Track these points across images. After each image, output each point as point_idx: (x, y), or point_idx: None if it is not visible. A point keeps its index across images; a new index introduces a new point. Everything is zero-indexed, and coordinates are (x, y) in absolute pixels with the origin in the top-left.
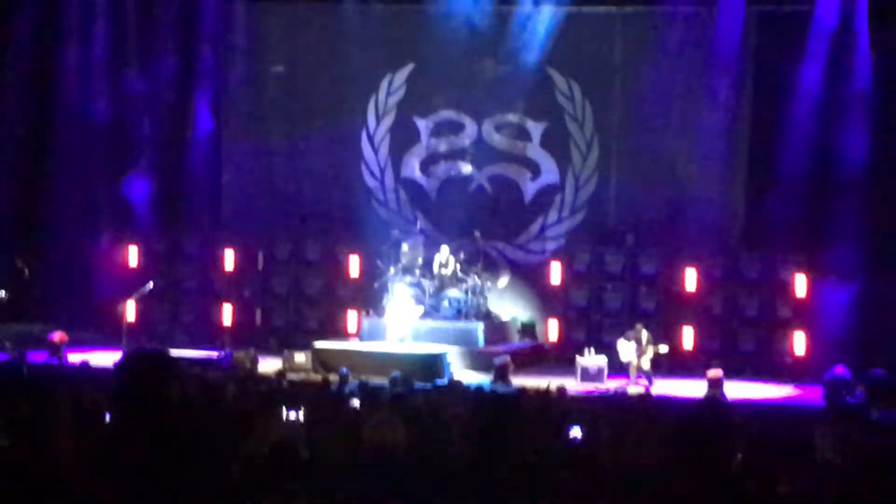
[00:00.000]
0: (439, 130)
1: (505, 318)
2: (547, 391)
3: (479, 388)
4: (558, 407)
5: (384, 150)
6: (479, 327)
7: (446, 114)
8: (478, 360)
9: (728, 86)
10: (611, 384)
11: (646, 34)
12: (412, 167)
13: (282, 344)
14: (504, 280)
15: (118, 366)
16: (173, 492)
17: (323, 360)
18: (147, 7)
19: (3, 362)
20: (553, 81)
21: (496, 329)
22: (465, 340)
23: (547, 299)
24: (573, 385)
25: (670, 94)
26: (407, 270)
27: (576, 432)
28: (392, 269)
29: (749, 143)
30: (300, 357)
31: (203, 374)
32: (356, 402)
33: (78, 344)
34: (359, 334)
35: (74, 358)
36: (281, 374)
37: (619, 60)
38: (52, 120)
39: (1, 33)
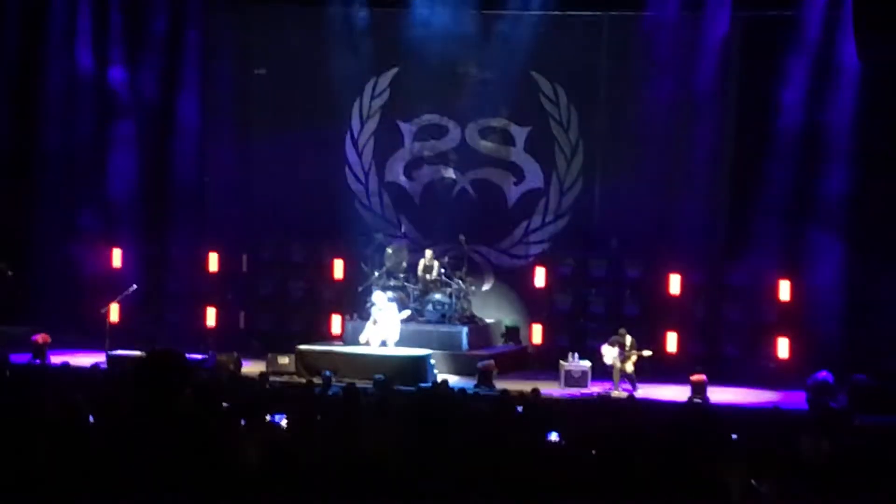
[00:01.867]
0: (423, 134)
1: (489, 321)
2: (528, 394)
3: (456, 390)
4: (537, 410)
5: (368, 153)
6: (464, 331)
7: (430, 118)
8: (462, 364)
9: (713, 92)
10: (595, 388)
11: (632, 39)
12: (396, 171)
13: (266, 347)
14: (488, 284)
15: (141, 362)
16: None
17: (307, 363)
18: (131, 10)
19: None
20: (538, 86)
21: (480, 333)
22: (449, 344)
23: (531, 303)
24: (557, 389)
25: (656, 100)
26: (391, 274)
27: (554, 437)
28: (376, 273)
29: (734, 149)
30: (284, 360)
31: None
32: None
33: (61, 346)
34: (343, 337)
35: (57, 359)
36: (264, 375)
37: (604, 65)
38: (36, 124)
39: None
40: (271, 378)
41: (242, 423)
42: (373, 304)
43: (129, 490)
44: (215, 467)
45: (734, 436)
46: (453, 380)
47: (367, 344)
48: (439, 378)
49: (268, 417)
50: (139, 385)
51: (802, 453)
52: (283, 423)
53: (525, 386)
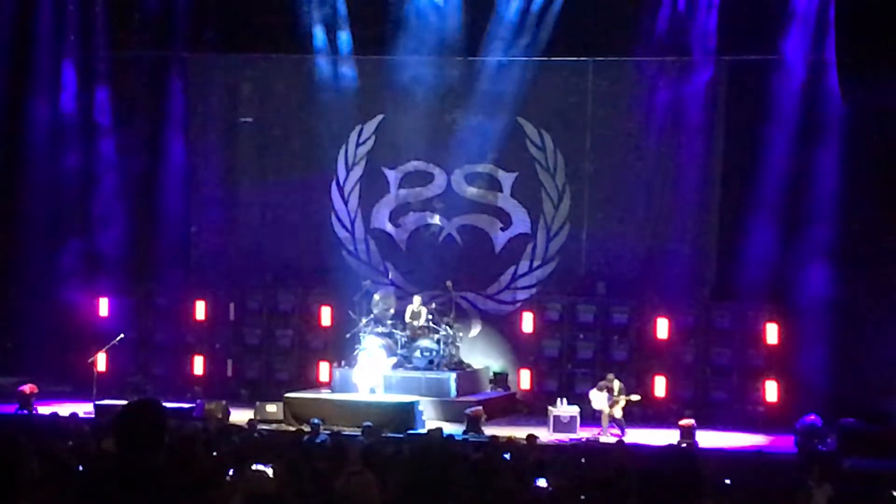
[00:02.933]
0: (408, 181)
1: (477, 367)
2: (516, 440)
3: (450, 437)
4: (529, 456)
5: (354, 200)
6: (452, 377)
7: (415, 164)
8: (450, 411)
9: (700, 136)
10: (583, 433)
11: (617, 84)
12: (382, 218)
13: (253, 395)
14: (475, 330)
15: (122, 412)
16: None
17: (295, 411)
18: (117, 59)
19: None
20: (524, 131)
21: (468, 379)
22: (437, 391)
23: (519, 349)
24: (545, 435)
25: (642, 145)
26: (378, 321)
27: (542, 483)
28: (364, 320)
29: (721, 193)
30: (272, 408)
31: (180, 424)
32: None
33: (48, 396)
34: (331, 385)
35: (45, 410)
36: (252, 423)
37: (590, 110)
38: (22, 172)
39: None
40: (259, 426)
41: (230, 472)
42: (362, 349)
43: None
44: None
45: (727, 481)
46: (442, 427)
47: (360, 381)
48: (432, 425)
49: (255, 466)
50: (117, 437)
51: (809, 498)
52: (270, 471)
53: (514, 432)
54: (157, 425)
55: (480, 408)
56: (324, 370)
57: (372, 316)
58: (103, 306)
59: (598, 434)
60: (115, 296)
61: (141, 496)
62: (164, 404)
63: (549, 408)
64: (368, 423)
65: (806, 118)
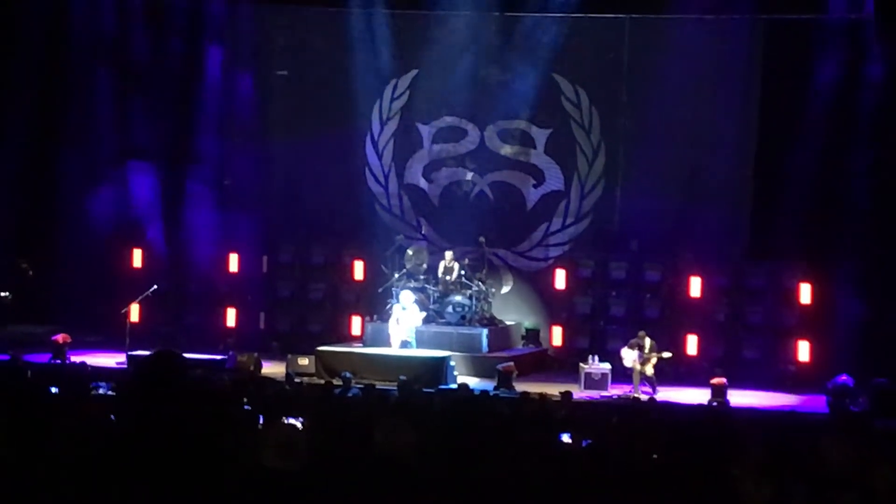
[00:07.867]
0: (442, 136)
1: (509, 323)
2: (548, 396)
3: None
4: (558, 412)
5: (388, 155)
6: (483, 333)
7: (449, 120)
8: (481, 366)
9: (736, 94)
10: (614, 391)
11: (654, 41)
12: (415, 173)
13: (285, 348)
14: (507, 286)
15: (140, 363)
16: (175, 491)
17: (326, 365)
18: (153, 10)
19: (5, 364)
20: (560, 87)
21: (500, 335)
22: (468, 346)
23: (551, 305)
24: (577, 391)
25: (678, 102)
26: (411, 276)
27: (566, 438)
28: (396, 275)
29: (756, 152)
30: (304, 361)
31: (207, 376)
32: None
33: (81, 346)
34: (363, 339)
35: (77, 359)
36: (290, 376)
37: (626, 67)
38: (59, 128)
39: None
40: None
41: (260, 424)
42: (396, 303)
43: (139, 491)
44: (225, 470)
45: (756, 440)
46: (473, 382)
47: (406, 345)
48: (459, 380)
49: (286, 419)
50: (136, 387)
51: (824, 457)
52: (300, 424)
53: (545, 388)
54: (173, 376)
55: (512, 364)
56: (356, 324)
57: (404, 271)
58: (137, 257)
59: (630, 392)
60: (149, 247)
61: (160, 447)
62: (196, 356)
63: (581, 364)
64: (403, 378)
65: (846, 78)
